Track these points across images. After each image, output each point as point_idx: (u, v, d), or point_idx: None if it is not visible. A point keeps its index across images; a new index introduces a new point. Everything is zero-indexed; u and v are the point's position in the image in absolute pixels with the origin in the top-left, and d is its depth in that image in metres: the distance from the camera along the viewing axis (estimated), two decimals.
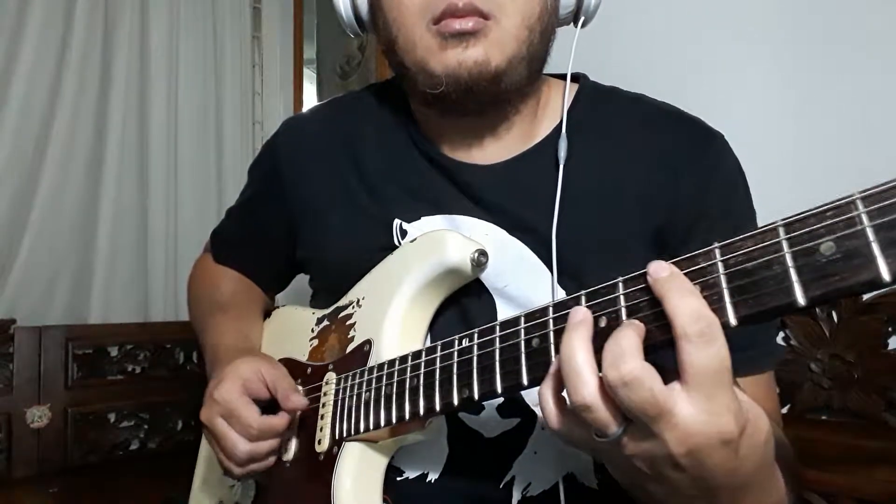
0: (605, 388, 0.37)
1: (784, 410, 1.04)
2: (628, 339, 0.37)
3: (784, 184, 0.93)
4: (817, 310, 1.04)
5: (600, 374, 0.38)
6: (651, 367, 0.36)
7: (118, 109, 1.92)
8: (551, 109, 0.73)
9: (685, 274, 0.38)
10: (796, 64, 1.05)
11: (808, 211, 0.33)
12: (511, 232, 0.68)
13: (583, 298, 0.43)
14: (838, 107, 1.00)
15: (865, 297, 1.00)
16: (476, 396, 0.49)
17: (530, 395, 0.66)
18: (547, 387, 0.42)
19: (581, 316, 0.40)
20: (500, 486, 0.66)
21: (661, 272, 0.38)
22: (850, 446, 0.96)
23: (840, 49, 1.00)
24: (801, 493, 0.72)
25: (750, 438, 0.38)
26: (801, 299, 0.33)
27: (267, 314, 0.91)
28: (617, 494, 0.65)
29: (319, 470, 0.64)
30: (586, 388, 0.38)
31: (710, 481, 0.39)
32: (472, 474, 0.66)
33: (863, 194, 0.31)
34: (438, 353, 0.54)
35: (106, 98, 1.91)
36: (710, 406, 0.36)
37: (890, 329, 0.98)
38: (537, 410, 0.66)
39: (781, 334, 1.08)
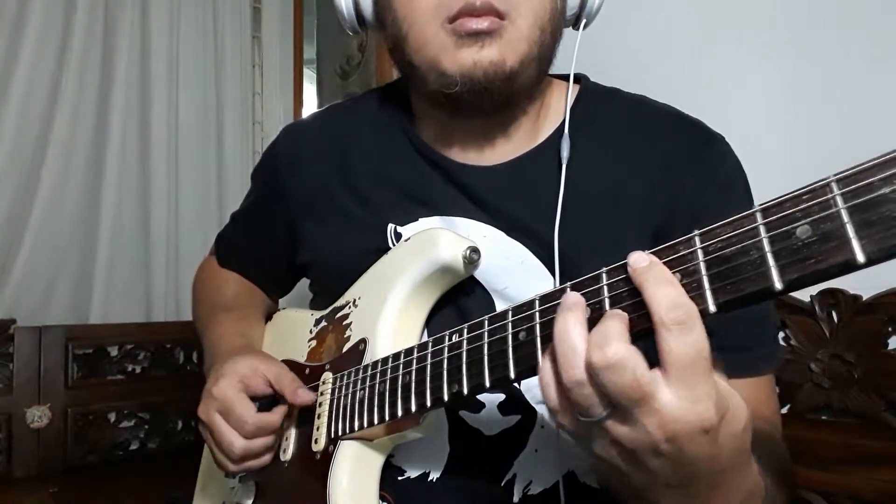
0: (588, 370, 0.37)
1: (784, 410, 1.04)
2: (614, 324, 0.37)
3: (784, 183, 0.93)
4: (817, 310, 1.04)
5: None
6: (636, 351, 0.36)
7: (118, 109, 1.93)
8: (553, 111, 0.73)
9: (666, 262, 0.38)
10: (796, 64, 1.05)
11: (784, 195, 0.33)
12: (510, 234, 0.68)
13: (567, 289, 0.43)
14: (838, 106, 1.00)
15: (865, 297, 1.00)
16: (465, 391, 0.49)
17: (531, 392, 0.66)
18: (547, 361, 0.41)
19: (574, 298, 0.40)
20: (502, 485, 0.65)
21: (641, 262, 0.38)
22: (850, 446, 0.96)
23: (840, 48, 1.00)
24: (796, 491, 0.72)
25: (729, 426, 0.38)
26: (777, 283, 0.33)
27: (268, 317, 0.92)
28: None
29: (316, 469, 0.64)
30: (582, 363, 0.38)
31: (689, 468, 0.39)
32: (473, 473, 0.66)
33: (837, 176, 0.31)
34: (429, 350, 0.54)
35: (106, 98, 1.91)
36: (690, 394, 0.36)
37: (890, 329, 0.98)
38: (538, 408, 0.66)
39: (781, 334, 1.07)
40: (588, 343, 0.37)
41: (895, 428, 0.96)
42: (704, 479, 0.40)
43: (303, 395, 0.67)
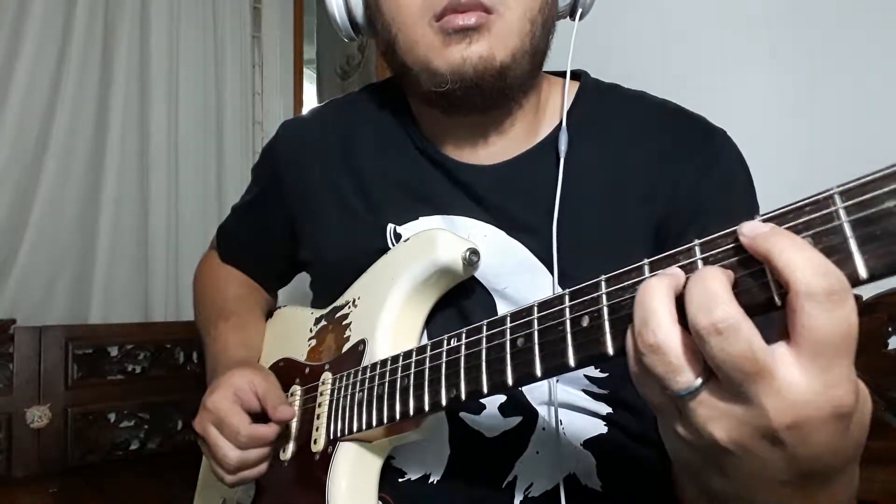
0: (693, 337, 0.32)
1: None
2: (717, 280, 0.32)
3: (785, 180, 0.93)
4: None
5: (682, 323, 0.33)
6: (747, 316, 0.31)
7: (118, 109, 1.92)
8: (552, 107, 0.73)
9: None
10: (797, 62, 1.05)
11: (786, 206, 0.32)
12: (511, 233, 0.68)
13: (566, 298, 0.42)
14: (838, 103, 1.00)
15: (865, 297, 0.99)
16: (463, 396, 0.49)
17: (532, 394, 0.66)
18: (629, 330, 0.36)
19: (672, 270, 0.36)
20: (503, 487, 0.65)
21: (762, 227, 0.32)
22: None
23: (840, 45, 1.00)
24: None
25: (861, 413, 0.34)
26: (777, 299, 0.32)
27: (269, 314, 0.92)
28: (621, 498, 0.65)
29: (315, 469, 0.64)
30: (660, 328, 0.33)
31: (807, 463, 0.33)
32: (474, 475, 0.65)
33: (841, 189, 0.30)
34: (428, 353, 0.54)
35: (106, 98, 1.91)
36: (827, 377, 0.31)
37: (890, 329, 0.98)
38: (540, 409, 0.66)
39: None
40: (688, 304, 0.32)
41: (895, 428, 0.95)
42: (820, 476, 0.35)
43: (281, 412, 0.67)
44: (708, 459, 0.36)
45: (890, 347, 0.98)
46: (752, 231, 0.32)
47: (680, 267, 0.36)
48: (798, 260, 0.30)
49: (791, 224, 0.32)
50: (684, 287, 0.34)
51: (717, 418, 0.34)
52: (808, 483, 0.35)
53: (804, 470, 0.34)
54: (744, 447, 0.34)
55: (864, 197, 0.30)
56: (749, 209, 0.66)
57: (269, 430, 0.67)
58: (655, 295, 0.34)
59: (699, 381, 0.33)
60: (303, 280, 0.90)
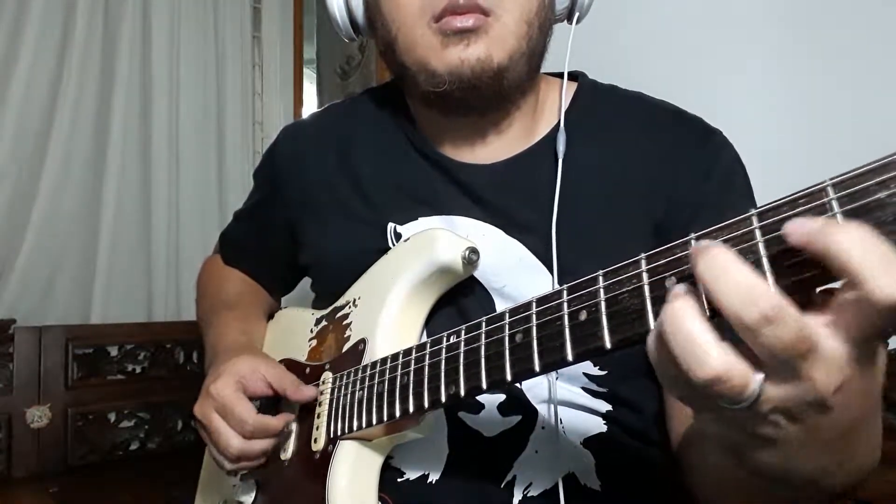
0: (742, 334, 0.31)
1: None
2: (742, 267, 0.31)
3: (784, 180, 0.93)
4: None
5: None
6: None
7: (119, 109, 1.92)
8: (549, 108, 0.74)
9: (663, 265, 0.36)
10: (796, 63, 1.05)
11: (781, 198, 0.33)
12: (509, 232, 0.68)
13: (564, 293, 0.42)
14: (838, 105, 1.00)
15: None
16: (462, 392, 0.49)
17: (532, 392, 0.66)
18: (669, 363, 0.33)
19: (682, 288, 0.34)
20: (501, 486, 0.65)
21: (810, 224, 0.30)
22: None
23: (839, 45, 1.00)
24: None
25: (881, 352, 0.34)
26: (773, 288, 0.32)
27: (270, 316, 0.92)
28: (619, 497, 0.65)
29: (315, 468, 0.64)
30: (711, 356, 0.31)
31: (849, 415, 0.35)
32: (473, 474, 0.65)
33: (834, 181, 0.31)
34: (428, 351, 0.55)
35: (106, 98, 1.91)
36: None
37: (890, 329, 0.98)
38: (540, 408, 0.66)
39: None
40: (725, 301, 0.31)
41: (895, 428, 0.95)
42: (858, 426, 0.37)
43: (305, 391, 0.68)
44: (757, 439, 0.37)
45: (890, 347, 0.98)
46: (800, 228, 0.30)
47: (676, 260, 0.36)
48: (869, 261, 0.28)
49: (785, 215, 0.32)
50: (695, 288, 0.33)
51: (780, 408, 0.33)
52: (849, 435, 0.37)
53: (851, 424, 0.36)
54: (796, 420, 0.34)
55: (856, 188, 0.30)
56: (748, 206, 0.67)
57: (277, 422, 0.67)
58: (688, 320, 0.32)
59: (760, 382, 0.33)
60: (304, 280, 0.91)
